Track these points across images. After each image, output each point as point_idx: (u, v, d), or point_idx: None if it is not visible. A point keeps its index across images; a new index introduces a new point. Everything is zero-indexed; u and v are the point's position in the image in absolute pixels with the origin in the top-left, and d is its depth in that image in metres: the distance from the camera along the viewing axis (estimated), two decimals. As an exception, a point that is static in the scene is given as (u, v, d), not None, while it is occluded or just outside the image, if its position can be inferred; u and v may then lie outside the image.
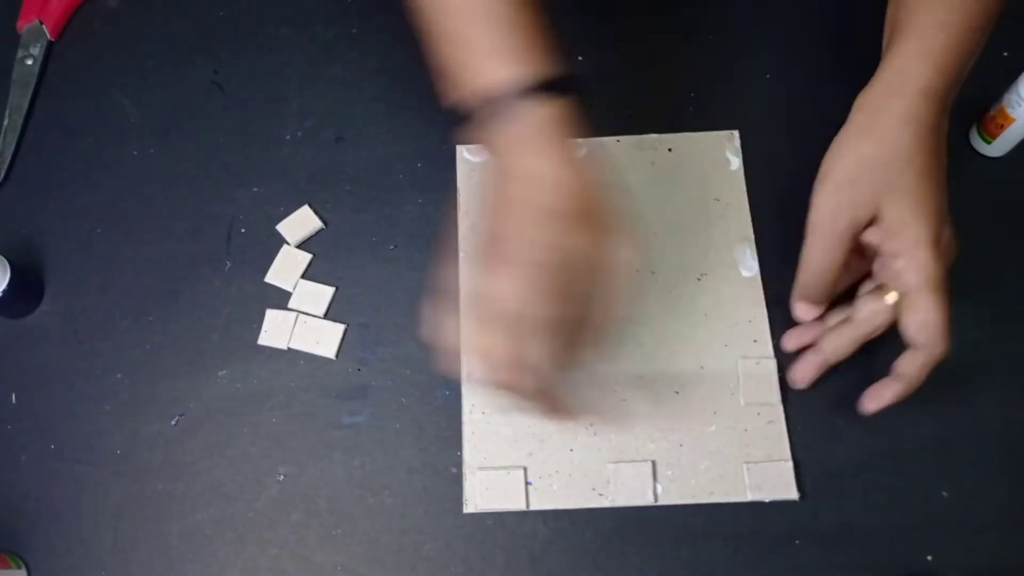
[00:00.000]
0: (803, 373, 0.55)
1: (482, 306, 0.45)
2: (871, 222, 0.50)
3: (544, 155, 0.45)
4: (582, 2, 0.70)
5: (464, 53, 0.47)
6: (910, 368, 0.50)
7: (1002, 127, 0.60)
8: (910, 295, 0.49)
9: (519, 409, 0.49)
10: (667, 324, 0.59)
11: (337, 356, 0.59)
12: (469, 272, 0.61)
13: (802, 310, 0.56)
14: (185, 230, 0.64)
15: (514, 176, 0.46)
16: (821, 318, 0.56)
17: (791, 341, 0.57)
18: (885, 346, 0.58)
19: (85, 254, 0.63)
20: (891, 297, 0.51)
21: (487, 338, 0.44)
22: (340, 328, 0.60)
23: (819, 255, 0.52)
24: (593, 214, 0.45)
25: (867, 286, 0.55)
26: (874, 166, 0.49)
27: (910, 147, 0.49)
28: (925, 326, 0.49)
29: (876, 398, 0.52)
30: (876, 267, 0.52)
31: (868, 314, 0.53)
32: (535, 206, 0.44)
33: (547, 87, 0.46)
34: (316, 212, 0.63)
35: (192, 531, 0.56)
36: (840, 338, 0.54)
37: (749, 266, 0.60)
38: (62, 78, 0.70)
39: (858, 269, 0.54)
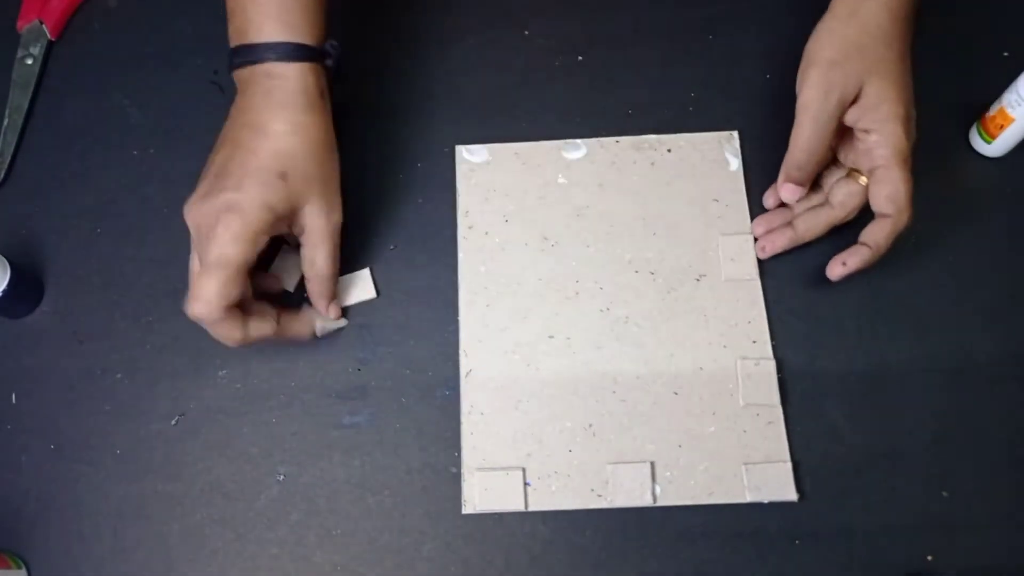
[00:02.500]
0: (773, 243, 0.59)
1: (198, 241, 0.52)
2: (852, 102, 0.54)
3: (280, 115, 0.52)
4: (582, 2, 0.70)
5: (252, 8, 0.53)
6: (877, 237, 0.55)
7: (1002, 127, 0.60)
8: (879, 169, 0.53)
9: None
10: (666, 325, 0.59)
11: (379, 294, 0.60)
12: (469, 272, 0.61)
13: (789, 191, 0.58)
14: (185, 230, 0.63)
15: (248, 124, 0.53)
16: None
17: (760, 226, 0.61)
18: (885, 347, 0.58)
19: (85, 254, 0.63)
20: (864, 179, 0.56)
21: (201, 280, 0.50)
22: (365, 271, 0.61)
23: (810, 134, 0.55)
24: (297, 179, 0.52)
25: (834, 175, 0.59)
26: (858, 48, 0.53)
27: (889, 32, 0.54)
28: (894, 197, 0.53)
29: (841, 265, 0.56)
30: (842, 154, 0.58)
31: (843, 197, 0.57)
32: (255, 156, 0.52)
33: (307, 56, 0.53)
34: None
35: (192, 531, 0.56)
36: (815, 218, 0.58)
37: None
38: (62, 78, 0.70)
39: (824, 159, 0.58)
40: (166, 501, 0.56)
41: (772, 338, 0.58)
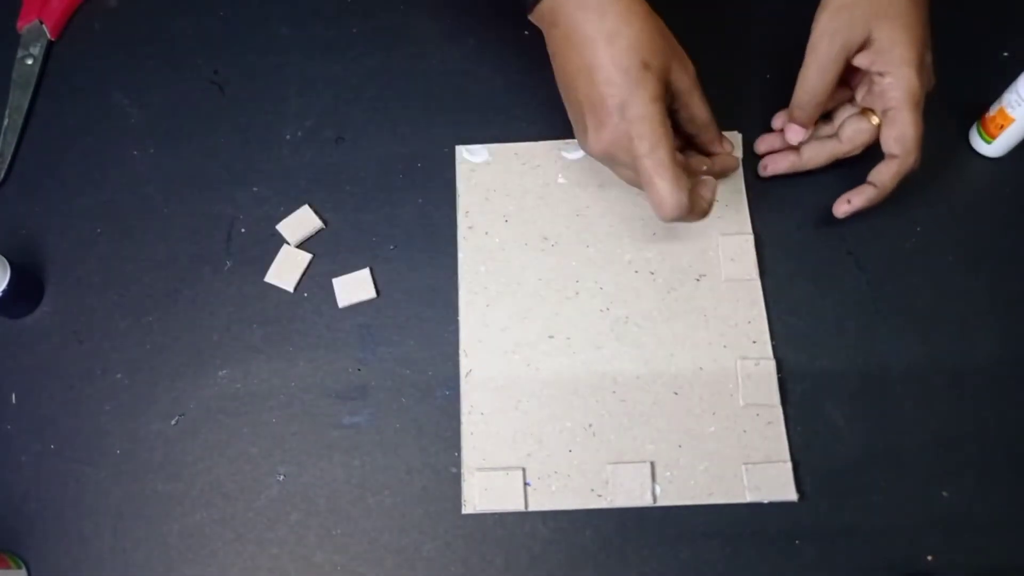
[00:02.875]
0: (775, 164, 0.61)
1: (616, 163, 0.54)
2: (863, 47, 0.55)
3: (603, 18, 0.52)
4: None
5: None
6: (883, 177, 0.56)
7: (1002, 127, 0.60)
8: (891, 111, 0.55)
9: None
10: (666, 325, 0.59)
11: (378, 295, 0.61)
12: (469, 272, 0.61)
13: (793, 131, 0.60)
14: (185, 230, 0.64)
15: (583, 43, 0.52)
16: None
17: (763, 145, 0.63)
18: (885, 347, 0.58)
19: (85, 254, 0.63)
20: (876, 119, 0.57)
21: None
22: (365, 271, 0.61)
23: (813, 76, 0.56)
24: (655, 57, 0.52)
25: (846, 111, 0.60)
26: None
27: None
28: (902, 138, 0.54)
29: (847, 203, 0.58)
30: (859, 95, 0.58)
31: (852, 132, 0.58)
32: (614, 66, 0.52)
33: None
34: (316, 212, 0.63)
35: (192, 531, 0.56)
36: (821, 148, 0.60)
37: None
38: (62, 78, 0.70)
39: (839, 99, 0.60)
40: (166, 501, 0.56)
41: (772, 338, 0.58)
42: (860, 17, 0.54)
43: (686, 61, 0.56)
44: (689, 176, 0.54)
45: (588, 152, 0.55)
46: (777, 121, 0.62)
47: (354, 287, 0.61)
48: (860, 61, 0.56)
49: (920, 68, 0.54)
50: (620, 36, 0.52)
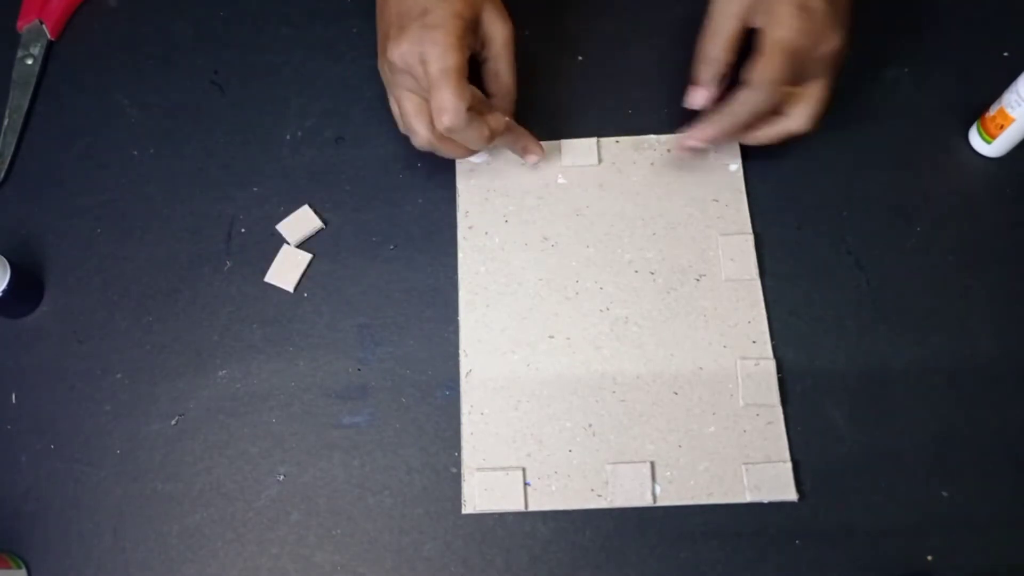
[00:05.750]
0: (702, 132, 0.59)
1: (407, 75, 0.55)
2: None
3: None
4: (582, 2, 0.70)
5: None
6: (735, 104, 0.56)
7: (1002, 127, 0.60)
8: (758, 55, 0.55)
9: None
10: (666, 324, 0.59)
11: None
12: (469, 272, 0.61)
13: (693, 94, 0.59)
14: (185, 230, 0.64)
15: None
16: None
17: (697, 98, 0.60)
18: (885, 347, 0.59)
19: (85, 254, 0.63)
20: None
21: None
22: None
23: (709, 33, 0.58)
24: None
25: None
26: None
27: None
28: (757, 70, 0.54)
29: (695, 134, 0.59)
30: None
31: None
32: None
33: None
34: (316, 212, 0.63)
35: (192, 531, 0.56)
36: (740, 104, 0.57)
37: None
38: (62, 78, 0.70)
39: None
40: (166, 501, 0.56)
41: (772, 338, 0.58)
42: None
43: (505, 16, 0.58)
44: (485, 114, 0.56)
45: (386, 62, 0.56)
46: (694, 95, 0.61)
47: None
48: (755, 21, 0.56)
49: (796, 21, 0.53)
50: None
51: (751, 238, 0.61)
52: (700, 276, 0.60)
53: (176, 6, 0.71)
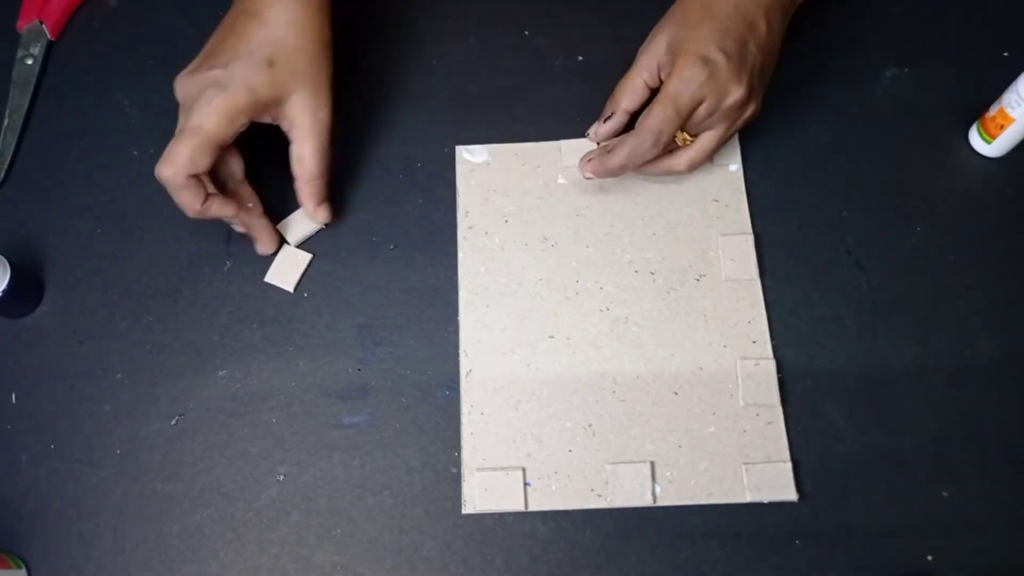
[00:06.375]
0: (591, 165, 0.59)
1: (182, 112, 0.55)
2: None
3: (278, 5, 0.55)
4: (582, 2, 0.70)
5: None
6: (620, 146, 0.57)
7: (1002, 127, 0.60)
8: (657, 99, 0.56)
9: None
10: (666, 325, 0.59)
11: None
12: (469, 272, 0.61)
13: (597, 128, 0.59)
14: (185, 230, 0.64)
15: (245, 11, 0.55)
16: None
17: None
18: (885, 347, 0.59)
19: (85, 254, 0.63)
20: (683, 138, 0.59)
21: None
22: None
23: (625, 77, 0.58)
24: (284, 69, 0.55)
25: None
26: (685, 10, 0.57)
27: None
28: (645, 119, 0.55)
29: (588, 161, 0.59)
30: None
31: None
32: (246, 40, 0.54)
33: None
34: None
35: (192, 531, 0.56)
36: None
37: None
38: (62, 78, 0.70)
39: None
40: (166, 501, 0.56)
41: (772, 338, 0.58)
42: (661, 28, 0.57)
43: (321, 104, 0.56)
44: (231, 198, 0.57)
45: (176, 84, 0.56)
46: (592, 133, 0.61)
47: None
48: (664, 73, 0.57)
49: (694, 70, 0.54)
50: (276, 28, 0.54)
51: (751, 238, 0.61)
52: (700, 276, 0.60)
53: (176, 6, 0.71)
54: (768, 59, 0.57)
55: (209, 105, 0.53)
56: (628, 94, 0.58)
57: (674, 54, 0.55)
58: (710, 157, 0.59)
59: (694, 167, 0.59)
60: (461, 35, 0.69)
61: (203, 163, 0.53)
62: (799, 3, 0.59)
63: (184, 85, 0.55)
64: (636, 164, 0.57)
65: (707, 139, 0.58)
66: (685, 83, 0.54)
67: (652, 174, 0.61)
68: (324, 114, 0.57)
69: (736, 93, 0.55)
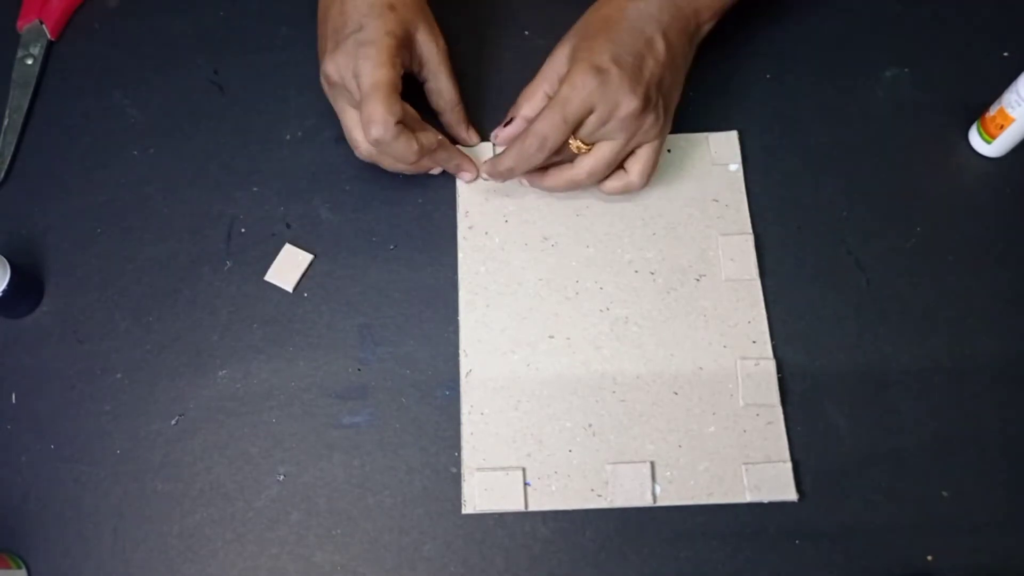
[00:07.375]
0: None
1: (344, 88, 0.57)
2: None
3: None
4: (582, 2, 0.70)
5: None
6: (511, 148, 0.57)
7: (1002, 127, 0.60)
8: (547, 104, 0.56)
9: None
10: (666, 324, 0.59)
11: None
12: (469, 272, 0.61)
13: (500, 132, 0.61)
14: (185, 230, 0.64)
15: None
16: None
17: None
18: (885, 347, 0.59)
19: (85, 254, 0.63)
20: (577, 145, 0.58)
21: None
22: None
23: (531, 85, 0.60)
24: (402, 7, 0.58)
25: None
26: (587, 23, 0.58)
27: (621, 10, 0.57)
28: (535, 123, 0.56)
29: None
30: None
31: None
32: (365, 1, 0.57)
33: None
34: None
35: (192, 531, 0.56)
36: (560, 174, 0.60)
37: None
38: (62, 78, 0.70)
39: None
40: (166, 501, 0.56)
41: (772, 338, 0.58)
42: (564, 40, 0.59)
43: (437, 34, 0.60)
44: (417, 131, 0.58)
45: (323, 75, 0.58)
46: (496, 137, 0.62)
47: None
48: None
49: (584, 78, 0.54)
50: None
51: (751, 238, 0.61)
52: (700, 276, 0.60)
53: (176, 6, 0.71)
54: (669, 76, 0.57)
55: (369, 61, 0.55)
56: (528, 101, 0.59)
57: (571, 63, 0.56)
58: (611, 168, 0.58)
59: (595, 178, 0.58)
60: (461, 35, 0.69)
61: (397, 109, 0.55)
62: (705, 30, 0.60)
63: (334, 63, 0.57)
64: (525, 167, 0.58)
65: (604, 148, 0.57)
66: (575, 90, 0.54)
67: (559, 189, 0.60)
68: (444, 43, 0.61)
69: (630, 104, 0.55)
